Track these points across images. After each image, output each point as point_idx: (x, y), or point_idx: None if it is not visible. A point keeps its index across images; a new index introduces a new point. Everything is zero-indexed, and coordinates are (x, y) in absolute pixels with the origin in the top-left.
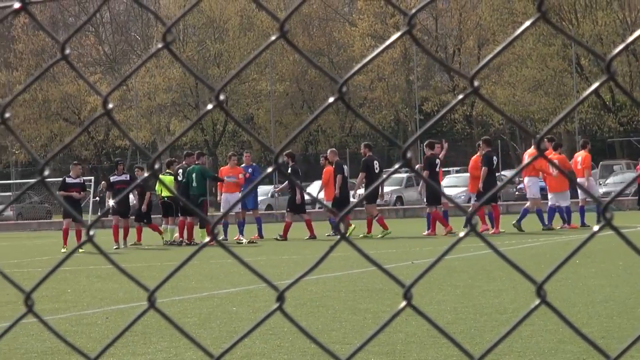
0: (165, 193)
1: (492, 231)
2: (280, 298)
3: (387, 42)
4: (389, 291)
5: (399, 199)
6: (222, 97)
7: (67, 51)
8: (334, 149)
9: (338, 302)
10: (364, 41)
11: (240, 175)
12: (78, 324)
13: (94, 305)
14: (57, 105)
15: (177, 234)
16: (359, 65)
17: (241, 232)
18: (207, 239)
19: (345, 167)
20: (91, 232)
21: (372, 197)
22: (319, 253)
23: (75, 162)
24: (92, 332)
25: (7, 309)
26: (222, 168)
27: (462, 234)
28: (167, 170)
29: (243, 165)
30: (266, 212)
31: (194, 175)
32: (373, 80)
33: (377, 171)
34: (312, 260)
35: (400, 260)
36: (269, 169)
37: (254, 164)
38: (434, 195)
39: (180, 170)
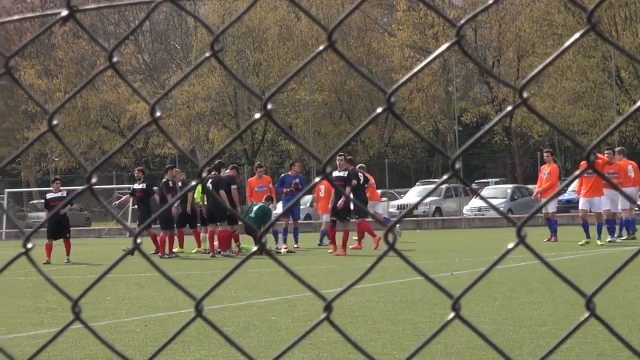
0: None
1: (354, 246)
2: (328, 308)
3: (437, 52)
4: (428, 302)
5: (438, 210)
6: (269, 107)
7: (115, 59)
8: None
9: (377, 312)
10: (403, 52)
11: (271, 185)
12: (117, 332)
13: (132, 313)
14: (97, 113)
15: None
16: (407, 75)
17: (284, 240)
18: (255, 248)
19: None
20: (138, 240)
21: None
22: (356, 263)
23: (55, 177)
24: (130, 339)
25: (47, 315)
26: (250, 180)
27: (510, 245)
28: None
29: (290, 174)
30: (305, 221)
31: (257, 207)
32: (412, 90)
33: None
34: (350, 270)
35: (440, 271)
36: (317, 179)
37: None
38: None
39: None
